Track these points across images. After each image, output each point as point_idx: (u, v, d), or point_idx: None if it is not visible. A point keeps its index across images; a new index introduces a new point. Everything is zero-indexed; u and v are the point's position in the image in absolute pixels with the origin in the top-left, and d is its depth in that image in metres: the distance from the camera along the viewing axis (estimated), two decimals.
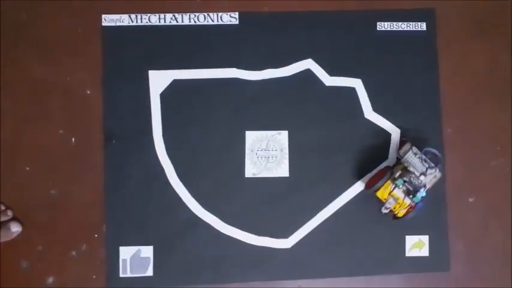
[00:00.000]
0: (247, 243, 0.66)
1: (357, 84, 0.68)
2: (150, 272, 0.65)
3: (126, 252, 0.65)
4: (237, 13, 0.68)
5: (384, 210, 0.62)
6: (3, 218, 0.63)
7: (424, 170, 0.61)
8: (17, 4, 0.67)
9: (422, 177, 0.61)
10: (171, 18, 0.68)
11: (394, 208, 0.61)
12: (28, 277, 0.64)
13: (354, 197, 0.67)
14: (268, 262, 0.66)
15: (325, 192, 0.67)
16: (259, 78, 0.68)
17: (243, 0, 0.68)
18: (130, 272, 0.65)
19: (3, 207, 0.64)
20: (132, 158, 0.66)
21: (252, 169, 0.67)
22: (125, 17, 0.68)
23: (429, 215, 0.67)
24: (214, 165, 0.67)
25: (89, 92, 0.67)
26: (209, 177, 0.66)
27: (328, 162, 0.67)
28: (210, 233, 0.66)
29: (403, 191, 0.61)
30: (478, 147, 0.69)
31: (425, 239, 0.67)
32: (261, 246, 0.66)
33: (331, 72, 0.68)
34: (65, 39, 0.67)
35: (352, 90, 0.68)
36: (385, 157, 0.68)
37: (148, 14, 0.68)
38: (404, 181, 0.61)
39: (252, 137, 0.67)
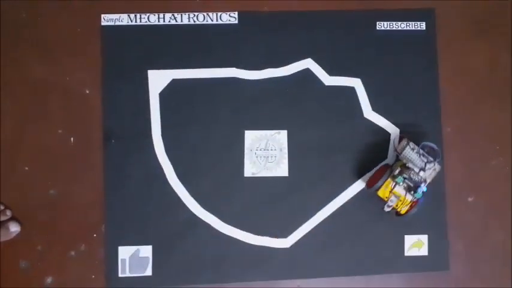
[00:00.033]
0: (246, 243, 0.66)
1: (356, 83, 0.68)
2: (149, 272, 0.65)
3: (125, 252, 0.65)
4: (236, 13, 0.68)
5: (387, 209, 0.62)
6: (2, 218, 0.63)
7: (423, 165, 0.61)
8: (17, 4, 0.67)
9: (421, 173, 0.61)
10: (171, 18, 0.68)
11: (396, 205, 0.61)
12: (27, 277, 0.64)
13: (353, 196, 0.67)
14: (268, 262, 0.66)
15: (324, 191, 0.67)
16: (258, 78, 0.68)
17: (243, 0, 0.69)
18: (129, 272, 0.65)
19: (2, 207, 0.64)
20: (131, 157, 0.66)
21: (251, 169, 0.67)
22: (124, 16, 0.68)
23: (428, 214, 0.67)
24: (213, 164, 0.66)
25: (88, 92, 0.67)
26: (208, 177, 0.66)
27: (327, 162, 0.67)
28: (209, 233, 0.66)
29: (404, 188, 0.61)
30: (478, 147, 0.69)
31: (424, 238, 0.67)
32: (260, 246, 0.66)
33: (331, 72, 0.68)
34: (64, 39, 0.67)
35: (351, 90, 0.68)
36: (384, 156, 0.68)
37: (148, 14, 0.68)
38: (404, 178, 0.61)
39: (251, 137, 0.67)
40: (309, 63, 0.68)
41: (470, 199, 0.68)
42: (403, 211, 0.62)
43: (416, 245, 0.67)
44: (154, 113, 0.67)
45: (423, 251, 0.67)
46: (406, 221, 0.66)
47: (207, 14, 0.68)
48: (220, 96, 0.67)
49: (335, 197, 0.67)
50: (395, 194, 0.61)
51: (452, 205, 0.68)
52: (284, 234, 0.66)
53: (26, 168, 0.65)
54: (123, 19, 0.68)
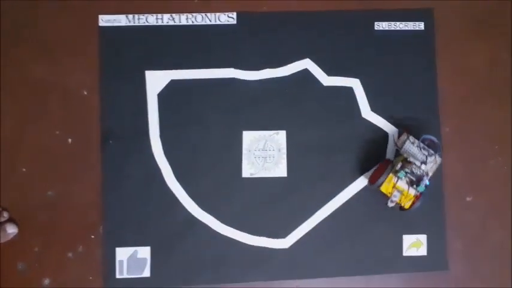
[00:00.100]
0: (245, 244, 0.65)
1: (354, 83, 0.68)
2: (147, 273, 0.64)
3: (122, 253, 0.64)
4: (234, 13, 0.68)
5: (390, 204, 0.61)
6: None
7: (424, 158, 0.61)
8: (17, 4, 0.67)
9: (423, 166, 0.61)
10: (169, 19, 0.68)
11: (400, 200, 0.61)
12: (25, 278, 0.64)
13: (351, 197, 0.67)
14: (267, 262, 0.65)
15: (323, 192, 0.67)
16: (256, 78, 0.68)
17: (242, 0, 0.68)
18: (127, 273, 0.64)
19: None
20: (130, 158, 0.66)
21: (249, 169, 0.67)
22: (122, 17, 0.67)
23: (427, 214, 0.66)
24: (211, 165, 0.66)
25: (86, 93, 0.67)
26: (206, 178, 0.66)
27: (326, 162, 0.67)
28: (207, 234, 0.65)
29: (407, 182, 0.61)
30: (477, 147, 0.69)
31: (423, 238, 0.66)
32: (258, 247, 0.66)
33: (329, 72, 0.68)
34: (64, 39, 0.67)
35: (349, 90, 0.68)
36: (383, 156, 0.68)
37: (146, 14, 0.68)
38: (406, 172, 0.61)
39: (250, 137, 0.67)
40: (307, 64, 0.68)
41: (469, 199, 0.68)
42: (407, 206, 0.61)
43: (415, 244, 0.66)
44: (152, 113, 0.67)
45: (422, 251, 0.66)
46: (405, 220, 0.66)
47: (206, 14, 0.68)
48: (219, 97, 0.67)
49: (333, 198, 0.67)
50: (398, 189, 0.61)
51: (451, 205, 0.68)
52: (283, 234, 0.66)
53: (24, 169, 0.65)
54: (120, 20, 0.67)
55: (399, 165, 0.61)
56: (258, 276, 0.65)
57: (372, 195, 0.65)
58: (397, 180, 0.60)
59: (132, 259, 0.64)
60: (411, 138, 0.62)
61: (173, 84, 0.67)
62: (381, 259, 0.66)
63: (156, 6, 0.68)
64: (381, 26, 0.69)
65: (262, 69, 0.68)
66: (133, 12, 0.68)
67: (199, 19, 0.68)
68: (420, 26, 0.69)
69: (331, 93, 0.68)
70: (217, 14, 0.68)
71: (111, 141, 0.66)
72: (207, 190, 0.66)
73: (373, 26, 0.69)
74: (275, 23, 0.69)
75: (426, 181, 0.61)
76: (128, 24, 0.68)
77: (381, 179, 0.61)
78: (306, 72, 0.68)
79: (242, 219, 0.66)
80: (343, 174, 0.67)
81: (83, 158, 0.66)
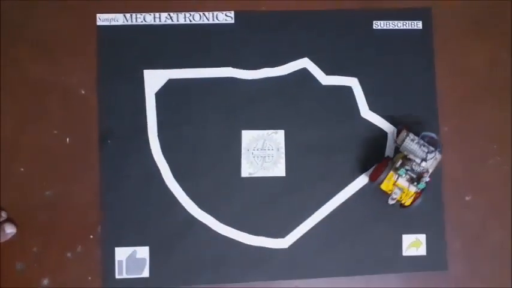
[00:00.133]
0: (244, 244, 0.65)
1: (353, 83, 0.68)
2: (146, 273, 0.64)
3: (121, 253, 0.64)
4: (232, 12, 0.68)
5: (391, 201, 0.61)
6: None
7: (424, 155, 0.61)
8: (17, 4, 0.67)
9: (423, 163, 0.61)
10: (166, 18, 0.68)
11: (401, 198, 0.61)
12: (23, 279, 0.64)
13: (351, 196, 0.67)
14: (267, 262, 0.65)
15: (322, 191, 0.67)
16: (255, 78, 0.68)
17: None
18: (126, 273, 0.64)
19: None
20: (128, 158, 0.66)
21: (248, 169, 0.66)
22: (120, 16, 0.67)
23: (426, 214, 0.66)
24: (210, 165, 0.66)
25: (83, 92, 0.67)
26: (205, 177, 0.66)
27: (325, 162, 0.67)
28: (206, 234, 0.65)
29: (407, 180, 0.61)
30: (476, 146, 0.69)
31: (422, 237, 0.66)
32: (258, 246, 0.65)
33: (328, 71, 0.68)
34: (63, 39, 0.67)
35: (348, 89, 0.68)
36: (382, 156, 0.68)
37: (144, 13, 0.67)
38: (407, 170, 0.61)
39: (248, 137, 0.67)
40: (305, 63, 0.68)
41: (468, 198, 0.68)
42: (407, 203, 0.61)
43: (414, 244, 0.66)
44: (150, 113, 0.66)
45: (421, 250, 0.66)
46: (404, 220, 0.66)
47: (203, 13, 0.68)
48: (217, 96, 0.67)
49: (332, 197, 0.66)
50: (399, 186, 0.60)
51: (451, 204, 0.68)
52: (282, 234, 0.66)
53: (22, 169, 0.65)
54: (118, 19, 0.67)
55: (399, 163, 0.61)
56: (258, 276, 0.65)
57: (371, 194, 0.65)
58: (398, 178, 0.60)
59: (131, 259, 0.64)
60: (411, 135, 0.62)
61: (171, 83, 0.67)
62: (381, 259, 0.66)
63: (153, 6, 0.68)
64: (380, 25, 0.69)
65: (261, 68, 0.68)
66: (131, 11, 0.67)
67: (197, 18, 0.68)
68: (418, 25, 0.69)
69: (330, 92, 0.68)
70: (215, 13, 0.68)
71: (109, 141, 0.66)
72: (206, 190, 0.66)
73: (371, 25, 0.69)
74: (273, 22, 0.68)
75: (427, 178, 0.61)
76: (126, 23, 0.67)
77: (382, 176, 0.61)
78: (304, 71, 0.68)
79: (241, 219, 0.66)
80: (342, 173, 0.67)
81: (82, 158, 0.66)
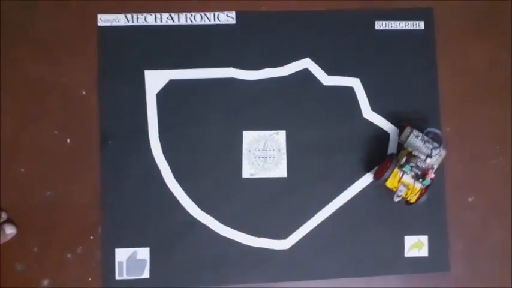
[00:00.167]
0: (245, 245, 0.65)
1: (354, 83, 0.68)
2: (146, 274, 0.64)
3: (122, 254, 0.64)
4: (233, 12, 0.68)
5: (396, 199, 0.61)
6: None
7: (429, 151, 0.61)
8: (17, 4, 0.67)
9: (428, 160, 0.61)
10: (168, 18, 0.67)
11: (406, 195, 0.61)
12: (23, 279, 0.64)
13: (352, 197, 0.67)
14: (267, 263, 0.65)
15: (323, 192, 0.66)
16: (256, 78, 0.67)
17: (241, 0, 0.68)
18: (127, 274, 0.64)
19: None
20: (129, 158, 0.65)
21: (249, 169, 0.66)
22: (121, 17, 0.67)
23: (428, 215, 0.66)
24: (211, 165, 0.66)
25: (84, 93, 0.66)
26: (206, 178, 0.66)
27: (326, 162, 0.67)
28: (207, 234, 0.65)
29: (412, 176, 0.61)
30: (477, 146, 0.69)
31: (424, 239, 0.66)
32: (258, 248, 0.65)
33: (329, 72, 0.68)
34: (64, 39, 0.67)
35: (350, 90, 0.68)
36: (384, 156, 0.67)
37: (145, 14, 0.67)
38: (412, 166, 0.60)
39: (250, 137, 0.67)
40: (307, 63, 0.68)
41: (470, 199, 0.68)
42: (413, 200, 0.61)
43: (416, 245, 0.66)
44: (151, 113, 0.66)
45: (423, 252, 0.66)
46: (406, 221, 0.66)
47: (205, 14, 0.68)
48: (218, 97, 0.67)
49: (334, 198, 0.66)
50: (404, 183, 0.60)
51: (452, 205, 0.67)
52: (283, 235, 0.66)
53: (22, 169, 0.65)
54: (119, 19, 0.67)
55: (404, 160, 0.61)
56: (258, 277, 0.65)
57: (374, 195, 0.65)
58: (403, 175, 0.60)
59: (132, 260, 0.64)
60: (415, 131, 0.62)
61: (172, 84, 0.67)
62: (382, 260, 0.66)
63: (155, 6, 0.67)
64: (381, 25, 0.69)
65: (262, 68, 0.68)
66: (132, 12, 0.67)
67: (198, 19, 0.68)
68: (420, 25, 0.69)
69: (332, 92, 0.68)
70: (217, 13, 0.68)
71: (110, 141, 0.65)
72: (206, 190, 0.66)
73: (373, 25, 0.69)
74: (274, 23, 0.68)
75: (432, 174, 0.60)
76: (127, 23, 0.67)
77: (387, 174, 0.60)
78: (306, 71, 0.68)
79: (242, 220, 0.66)
80: (344, 174, 0.67)
81: (82, 158, 0.65)
